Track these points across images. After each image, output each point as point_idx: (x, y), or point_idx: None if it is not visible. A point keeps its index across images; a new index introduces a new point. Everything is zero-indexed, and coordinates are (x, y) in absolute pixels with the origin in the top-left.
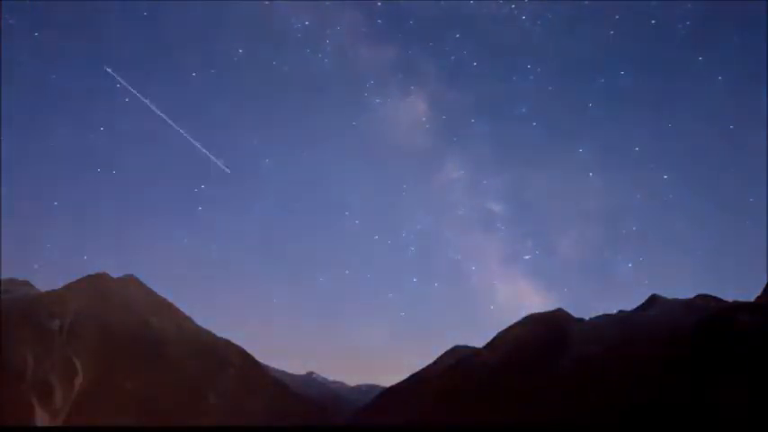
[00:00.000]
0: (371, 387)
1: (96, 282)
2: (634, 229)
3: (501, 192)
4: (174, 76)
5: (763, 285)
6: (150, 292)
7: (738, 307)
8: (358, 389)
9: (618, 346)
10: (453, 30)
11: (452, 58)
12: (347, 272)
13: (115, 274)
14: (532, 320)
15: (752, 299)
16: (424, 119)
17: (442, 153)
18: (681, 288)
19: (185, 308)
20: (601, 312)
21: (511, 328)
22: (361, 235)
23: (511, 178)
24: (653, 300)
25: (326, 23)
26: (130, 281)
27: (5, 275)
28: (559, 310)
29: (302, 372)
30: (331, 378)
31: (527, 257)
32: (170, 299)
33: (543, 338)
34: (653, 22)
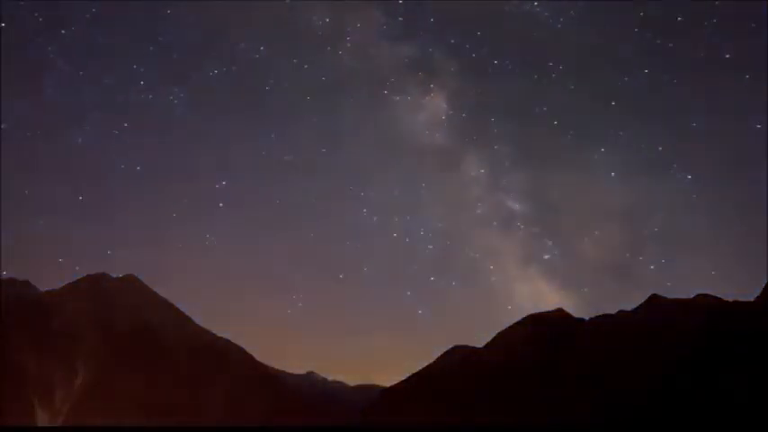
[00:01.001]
0: (371, 387)
1: (96, 282)
2: (656, 229)
3: (521, 191)
4: (196, 73)
5: (763, 285)
6: (150, 292)
7: (738, 307)
8: (358, 389)
9: (618, 345)
10: (474, 27)
11: (473, 55)
12: (365, 269)
13: (115, 274)
14: (533, 320)
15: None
16: (443, 117)
17: (461, 151)
18: (700, 289)
19: (185, 308)
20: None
21: (511, 327)
22: (379, 233)
23: (531, 177)
24: (653, 300)
25: (347, 21)
26: (130, 281)
27: (5, 275)
28: (560, 310)
29: (302, 371)
30: (331, 378)
31: (546, 257)
32: (170, 299)
33: (543, 338)
34: (679, 18)
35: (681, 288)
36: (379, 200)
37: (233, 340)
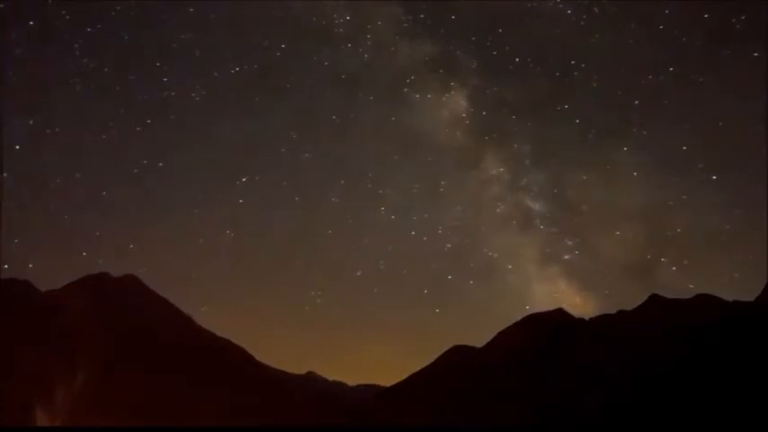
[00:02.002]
0: (371, 387)
1: (96, 282)
2: (679, 230)
3: (541, 190)
4: (218, 71)
5: (763, 285)
6: (150, 292)
7: (738, 307)
8: (358, 389)
9: (618, 345)
10: (496, 25)
11: (494, 53)
12: (382, 267)
13: (115, 273)
14: (532, 320)
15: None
16: (463, 115)
17: (481, 149)
18: (725, 291)
19: (185, 308)
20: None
21: (510, 327)
22: (397, 230)
23: (551, 176)
24: (653, 299)
25: (368, 19)
26: (130, 281)
27: (5, 275)
28: (559, 310)
29: (302, 371)
30: (331, 378)
31: (566, 257)
32: (170, 299)
33: (543, 338)
34: (706, 16)
35: (702, 289)
36: (397, 198)
37: (233, 340)
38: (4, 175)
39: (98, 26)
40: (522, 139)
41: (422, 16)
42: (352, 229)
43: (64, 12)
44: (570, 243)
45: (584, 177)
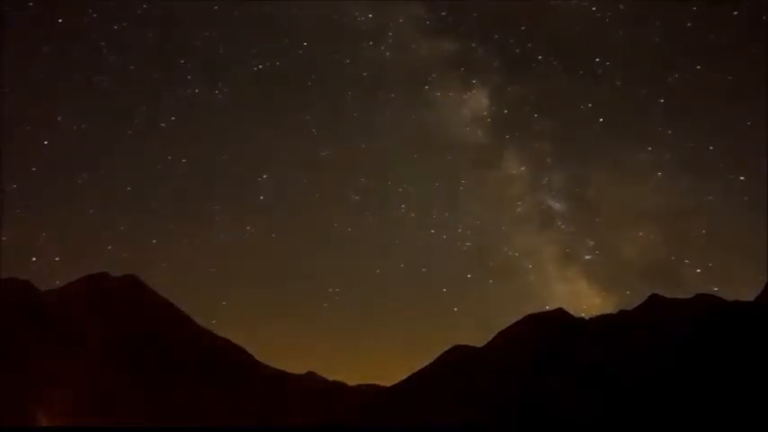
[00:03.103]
0: (371, 387)
1: (96, 282)
2: (704, 232)
3: (562, 189)
4: (240, 68)
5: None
6: (150, 292)
7: (738, 307)
8: (358, 389)
9: (618, 345)
10: (519, 23)
11: (517, 51)
12: (402, 265)
13: (115, 273)
14: (532, 320)
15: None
16: (485, 113)
17: (502, 148)
18: (746, 293)
19: (186, 308)
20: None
21: (510, 327)
22: (416, 229)
23: (573, 176)
24: (653, 299)
25: (389, 16)
26: (130, 281)
27: (5, 275)
28: (560, 310)
29: (302, 371)
30: (331, 378)
31: (587, 258)
32: (170, 299)
33: (543, 338)
34: (735, 13)
35: (726, 292)
36: (417, 196)
37: (233, 340)
38: (13, 186)
39: (124, 24)
40: (544, 137)
41: (443, 14)
42: (372, 226)
43: (91, 10)
44: (591, 243)
45: (607, 177)
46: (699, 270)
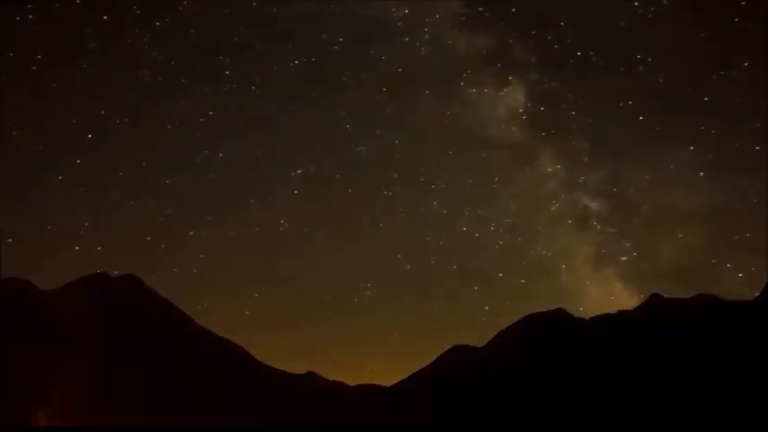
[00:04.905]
0: (371, 387)
1: (96, 282)
2: (747, 235)
3: (599, 189)
4: (277, 64)
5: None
6: (150, 292)
7: (738, 307)
8: (358, 389)
9: (618, 345)
10: (558, 17)
11: (555, 47)
12: (433, 261)
13: (115, 273)
14: (532, 320)
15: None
16: (520, 110)
17: (537, 146)
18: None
19: (186, 308)
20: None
21: (511, 327)
22: (448, 226)
23: (611, 175)
24: (653, 299)
25: (426, 12)
26: (130, 281)
27: (5, 275)
28: (560, 310)
29: (302, 371)
30: (331, 378)
31: (623, 259)
32: (170, 299)
33: (544, 338)
34: None
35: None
36: (450, 193)
37: (233, 340)
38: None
39: (166, 20)
40: (581, 135)
41: (481, 9)
42: (404, 222)
43: (135, 7)
44: (628, 245)
45: (646, 177)
46: (741, 274)
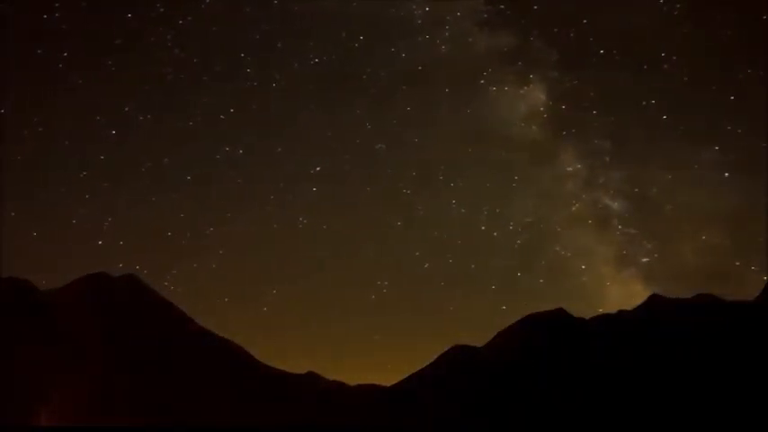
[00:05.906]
0: (371, 387)
1: (96, 282)
2: None
3: (621, 189)
4: (297, 61)
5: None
6: (150, 292)
7: (738, 307)
8: (358, 389)
9: (618, 345)
10: (580, 15)
11: (577, 45)
12: (451, 260)
13: (115, 273)
14: (532, 320)
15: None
16: (541, 108)
17: (558, 145)
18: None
19: (186, 308)
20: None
21: (511, 327)
22: (467, 224)
23: (633, 175)
24: (653, 299)
25: (447, 9)
26: (130, 281)
27: (5, 275)
28: (560, 310)
29: (302, 371)
30: (331, 378)
31: (644, 260)
32: (170, 299)
33: (544, 338)
34: None
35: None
36: (468, 191)
37: (233, 340)
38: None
39: (188, 18)
40: (603, 135)
41: (502, 6)
42: (422, 221)
43: (158, 5)
44: (649, 246)
45: (669, 177)
46: (766, 278)
